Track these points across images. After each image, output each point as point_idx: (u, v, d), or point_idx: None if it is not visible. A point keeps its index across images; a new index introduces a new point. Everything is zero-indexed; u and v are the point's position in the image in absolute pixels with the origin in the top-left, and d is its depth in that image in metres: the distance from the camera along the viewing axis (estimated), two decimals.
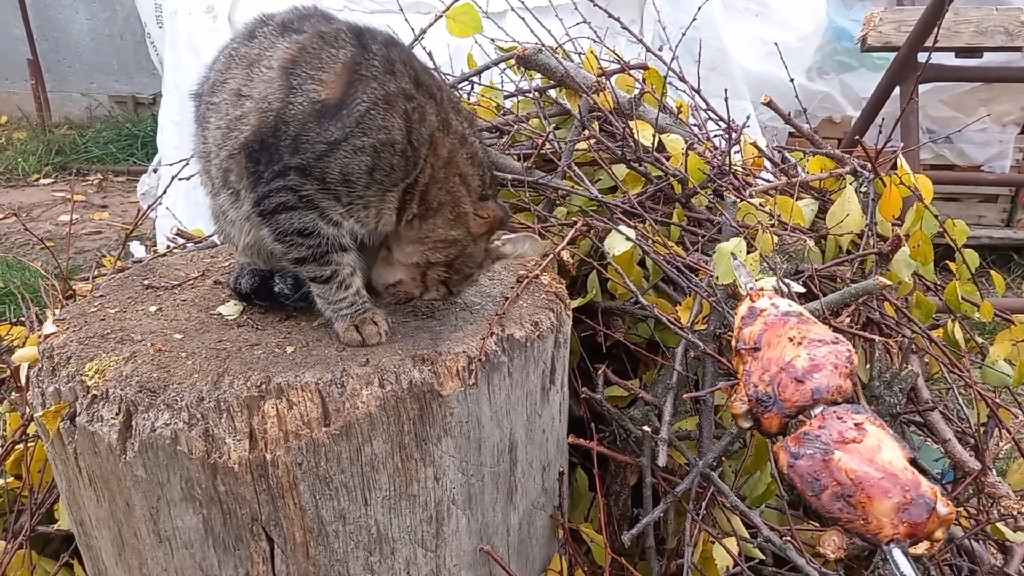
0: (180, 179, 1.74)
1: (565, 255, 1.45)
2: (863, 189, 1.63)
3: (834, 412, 0.86)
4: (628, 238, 1.40)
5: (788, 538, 1.23)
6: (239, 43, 1.05)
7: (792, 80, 1.90)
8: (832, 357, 0.90)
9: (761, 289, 1.05)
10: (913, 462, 1.60)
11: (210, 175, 1.09)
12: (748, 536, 1.31)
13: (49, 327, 1.13)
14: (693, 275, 1.44)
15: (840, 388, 0.88)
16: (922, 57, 2.67)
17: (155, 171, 3.79)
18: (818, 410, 0.87)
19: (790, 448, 0.86)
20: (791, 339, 0.93)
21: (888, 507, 0.80)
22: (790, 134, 3.54)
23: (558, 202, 1.68)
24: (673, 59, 1.78)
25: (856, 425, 0.85)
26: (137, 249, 3.43)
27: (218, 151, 1.03)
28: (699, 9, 1.97)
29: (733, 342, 0.98)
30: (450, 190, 1.03)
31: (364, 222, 1.01)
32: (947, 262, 1.67)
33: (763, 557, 1.33)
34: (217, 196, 1.09)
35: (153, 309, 1.18)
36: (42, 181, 4.99)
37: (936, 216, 1.57)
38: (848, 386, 0.89)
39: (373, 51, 0.98)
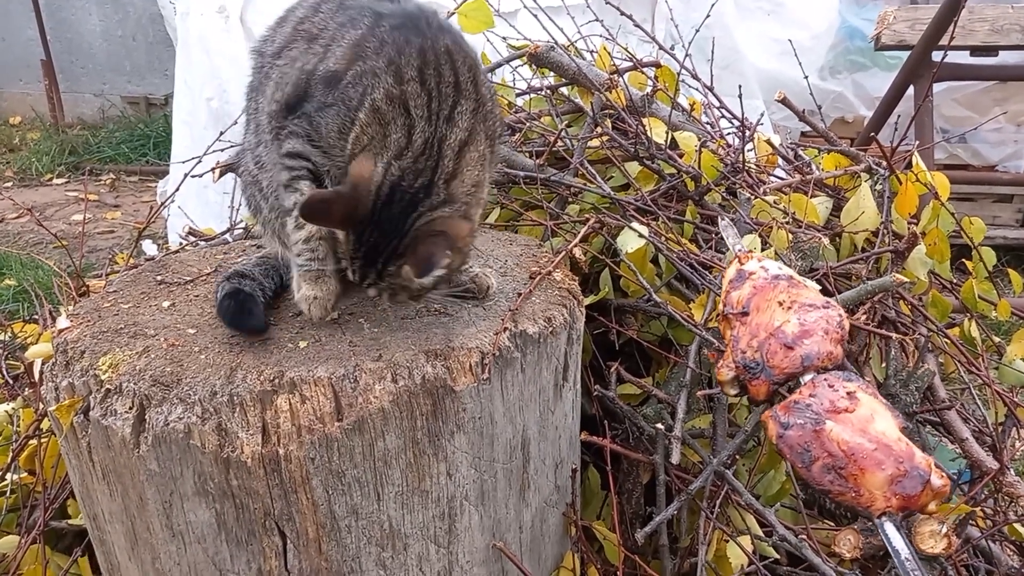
0: (193, 176, 1.74)
1: (577, 252, 1.44)
2: (878, 187, 1.62)
3: (825, 380, 0.83)
4: (641, 235, 1.39)
5: (803, 537, 1.21)
6: (304, 16, 1.14)
7: (806, 78, 1.89)
8: (823, 322, 0.87)
9: (750, 251, 1.01)
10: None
11: (259, 125, 1.17)
12: (762, 535, 1.30)
13: (63, 322, 1.14)
14: (707, 272, 1.43)
15: (831, 354, 0.85)
16: (937, 56, 2.66)
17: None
18: (808, 377, 0.85)
19: (779, 417, 0.83)
20: (781, 303, 0.90)
21: (881, 479, 0.78)
22: (802, 133, 3.52)
23: (570, 199, 1.67)
24: (686, 57, 1.77)
25: (848, 394, 0.82)
26: (149, 248, 3.45)
27: (269, 104, 1.12)
28: (712, 6, 1.96)
29: (720, 306, 0.95)
30: None
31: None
32: (963, 260, 1.65)
33: (777, 556, 1.32)
34: (259, 146, 1.18)
35: (166, 304, 1.19)
36: (55, 181, 5.03)
37: (952, 214, 1.56)
38: (839, 352, 0.86)
39: (376, 33, 1.03)
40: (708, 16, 1.89)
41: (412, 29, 1.02)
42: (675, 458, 1.25)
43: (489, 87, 1.08)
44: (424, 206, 0.99)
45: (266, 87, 1.13)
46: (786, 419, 0.82)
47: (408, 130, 0.99)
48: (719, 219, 1.12)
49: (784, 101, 1.74)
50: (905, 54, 2.83)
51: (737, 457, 1.36)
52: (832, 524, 1.41)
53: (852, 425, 0.79)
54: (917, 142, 1.78)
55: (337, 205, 0.98)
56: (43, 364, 1.53)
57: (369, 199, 0.98)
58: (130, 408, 0.98)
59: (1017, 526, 1.37)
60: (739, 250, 1.03)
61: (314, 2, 1.14)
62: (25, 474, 1.58)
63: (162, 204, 1.99)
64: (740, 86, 1.67)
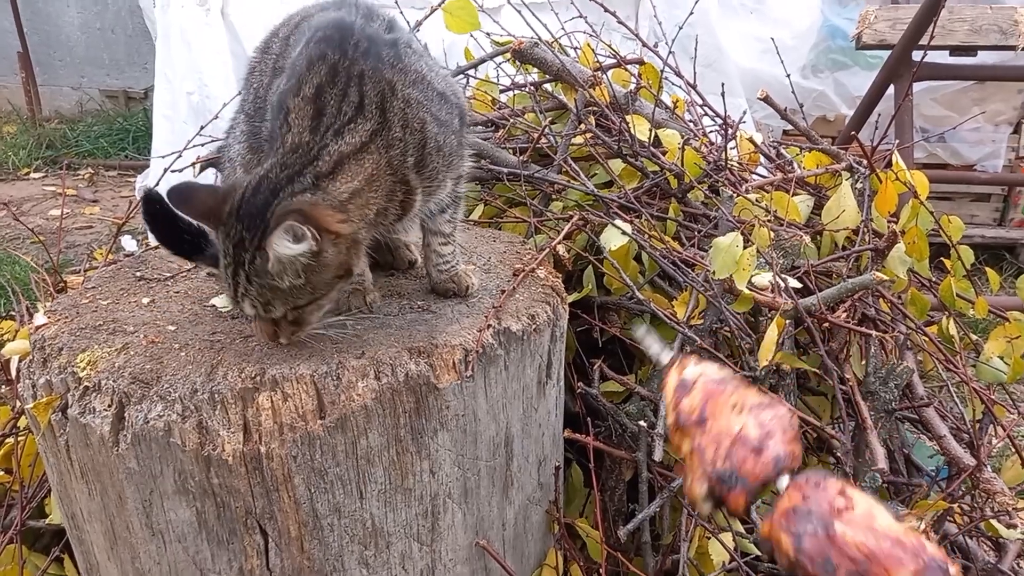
0: (173, 171, 1.73)
1: (561, 249, 1.44)
2: (859, 185, 1.63)
3: (807, 481, 0.78)
4: (624, 232, 1.39)
5: None
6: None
7: (788, 76, 1.90)
8: (779, 421, 0.83)
9: (684, 359, 0.93)
10: (907, 459, 1.59)
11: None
12: (744, 532, 1.30)
13: (40, 318, 1.12)
14: (689, 270, 1.44)
15: (794, 454, 0.81)
16: (916, 55, 2.68)
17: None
18: (784, 480, 0.80)
19: (788, 527, 0.77)
20: (734, 406, 0.85)
21: None
22: (784, 132, 3.54)
23: (554, 196, 1.67)
24: (669, 55, 1.77)
25: (840, 492, 0.77)
26: (128, 243, 3.40)
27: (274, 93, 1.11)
28: (696, 3, 1.96)
29: (670, 419, 0.88)
30: None
31: None
32: (942, 259, 1.67)
33: (759, 553, 1.33)
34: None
35: (146, 301, 1.17)
36: (32, 175, 4.95)
37: (932, 212, 1.57)
38: (799, 450, 0.82)
39: (306, 48, 1.04)
40: (691, 14, 1.90)
41: (336, 46, 1.01)
42: (658, 455, 1.26)
43: (409, 118, 1.03)
44: (286, 192, 0.94)
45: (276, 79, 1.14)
46: (796, 529, 0.76)
47: (284, 138, 0.99)
48: (634, 328, 1.06)
49: (766, 99, 1.75)
50: (886, 53, 2.85)
51: None
52: None
53: (858, 524, 0.75)
54: (897, 141, 1.79)
55: (203, 196, 0.96)
56: (20, 361, 1.51)
57: (237, 195, 0.95)
58: (109, 406, 0.96)
59: (993, 522, 1.39)
60: (670, 358, 0.96)
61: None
62: (1, 473, 1.55)
63: (141, 199, 1.97)
64: (723, 84, 1.68)
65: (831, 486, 0.77)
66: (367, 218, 1.00)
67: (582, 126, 1.70)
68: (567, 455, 1.43)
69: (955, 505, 1.42)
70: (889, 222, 1.56)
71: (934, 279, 1.72)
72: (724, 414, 0.85)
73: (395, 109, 1.01)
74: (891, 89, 2.82)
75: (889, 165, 1.59)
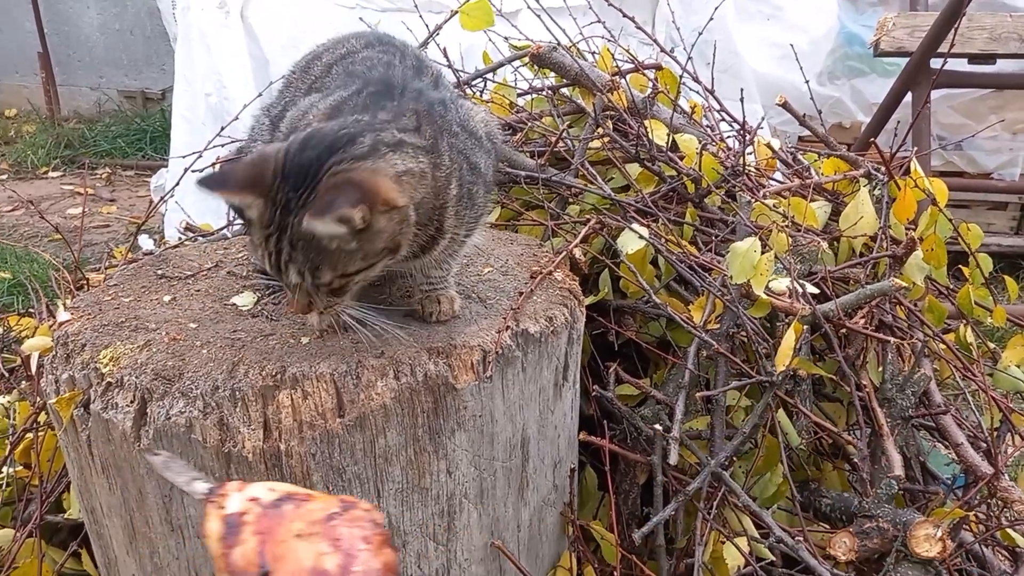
0: (192, 171, 1.74)
1: (577, 252, 1.44)
2: (876, 192, 1.63)
3: None
4: (641, 236, 1.39)
5: (800, 539, 1.22)
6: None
7: (807, 82, 1.90)
8: (357, 531, 0.69)
9: (221, 488, 0.74)
10: (923, 467, 1.59)
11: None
12: (759, 536, 1.30)
13: (63, 315, 1.14)
14: (706, 274, 1.44)
15: (389, 565, 0.68)
16: (935, 63, 2.67)
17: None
18: None
19: None
20: (300, 535, 0.69)
21: None
22: (800, 138, 3.53)
23: (571, 200, 1.68)
24: (688, 60, 1.78)
25: None
26: (146, 242, 3.43)
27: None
28: (716, 9, 1.96)
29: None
30: None
31: None
32: (960, 267, 1.66)
33: (773, 558, 1.33)
34: None
35: (167, 299, 1.18)
36: (51, 174, 5.00)
37: (950, 220, 1.57)
38: (393, 557, 0.69)
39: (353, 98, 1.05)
40: (711, 19, 1.90)
41: (387, 96, 1.02)
42: (673, 459, 1.25)
43: (455, 156, 1.02)
44: (346, 152, 0.89)
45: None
46: None
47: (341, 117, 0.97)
48: (150, 455, 0.81)
49: (785, 105, 1.75)
50: (903, 60, 2.84)
51: (734, 459, 1.36)
52: (828, 527, 1.42)
53: None
54: (915, 148, 1.79)
55: (240, 169, 0.90)
56: (41, 357, 1.53)
57: (279, 156, 0.90)
58: (131, 402, 0.97)
59: (1010, 531, 1.38)
60: (195, 488, 0.75)
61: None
62: (20, 468, 1.57)
63: (161, 199, 1.99)
64: (742, 89, 1.68)
65: None
66: (414, 202, 0.96)
67: (599, 130, 1.70)
68: (581, 458, 1.43)
69: (971, 513, 1.41)
70: (907, 229, 1.55)
71: (952, 287, 1.72)
72: (290, 551, 0.68)
73: (445, 144, 1.01)
74: (908, 96, 2.80)
75: (907, 172, 1.59)
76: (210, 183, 0.90)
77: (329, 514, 0.70)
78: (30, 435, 1.51)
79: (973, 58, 2.85)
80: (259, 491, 0.73)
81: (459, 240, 1.09)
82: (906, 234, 1.52)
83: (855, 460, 1.47)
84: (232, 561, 0.68)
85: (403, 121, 0.98)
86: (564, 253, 1.33)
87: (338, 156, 0.89)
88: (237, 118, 1.77)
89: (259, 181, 0.89)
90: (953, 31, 1.93)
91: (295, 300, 0.95)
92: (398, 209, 0.91)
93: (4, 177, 4.92)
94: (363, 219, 0.87)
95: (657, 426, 1.31)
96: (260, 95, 1.93)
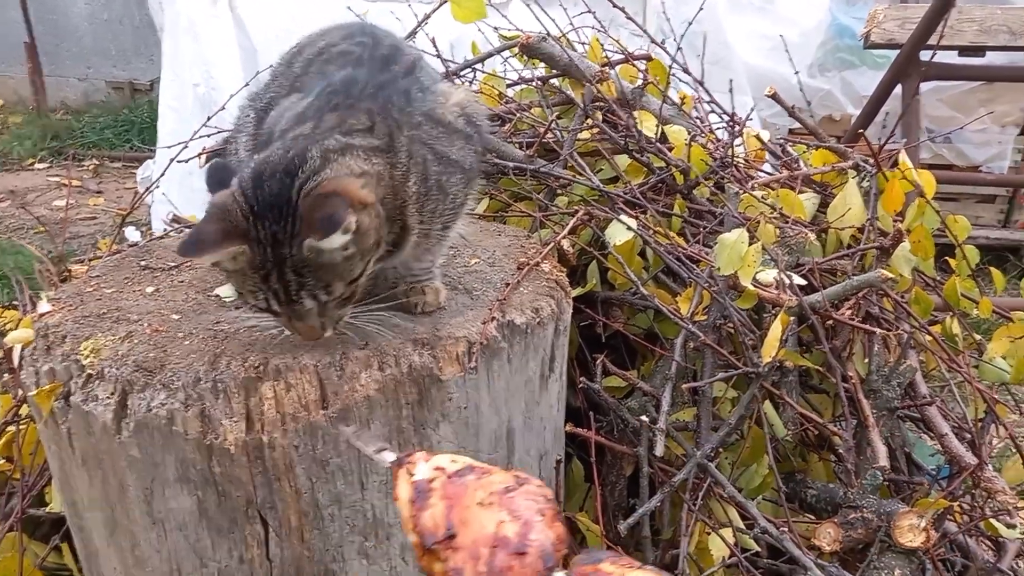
0: (179, 162, 1.73)
1: (566, 244, 1.44)
2: (864, 183, 1.63)
3: (586, 570, 0.69)
4: (630, 228, 1.39)
5: (784, 530, 1.22)
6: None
7: (797, 74, 1.89)
8: (532, 504, 0.72)
9: (409, 456, 0.79)
10: (908, 458, 1.59)
11: None
12: (744, 527, 1.30)
13: (44, 306, 1.12)
14: (694, 266, 1.44)
15: (560, 538, 0.71)
16: (925, 55, 2.67)
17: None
18: None
19: None
20: (481, 504, 0.72)
21: None
22: (790, 130, 3.54)
23: (559, 191, 1.67)
24: (678, 51, 1.77)
25: (620, 564, 0.69)
26: (132, 234, 3.41)
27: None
28: (704, 1, 1.96)
29: (413, 538, 0.74)
30: None
31: None
32: (947, 259, 1.67)
33: (758, 548, 1.33)
34: None
35: (150, 290, 1.17)
36: (37, 166, 4.96)
37: (938, 212, 1.57)
38: (563, 531, 0.72)
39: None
40: (701, 10, 1.89)
41: (343, 94, 1.02)
42: (659, 450, 1.25)
43: (413, 152, 1.01)
44: (303, 172, 0.89)
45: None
46: None
47: (284, 135, 0.97)
48: (342, 426, 0.91)
49: (775, 97, 1.74)
50: (893, 53, 2.85)
51: (720, 450, 1.36)
52: (813, 518, 1.42)
53: None
54: (905, 140, 1.79)
55: (208, 228, 0.88)
56: (23, 349, 1.51)
57: (239, 199, 0.89)
58: (112, 394, 0.96)
59: (993, 521, 1.39)
60: (384, 457, 0.81)
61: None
62: (2, 461, 1.56)
63: (147, 190, 1.97)
64: (731, 80, 1.68)
65: (615, 570, 0.69)
66: (378, 199, 0.95)
67: (588, 121, 1.70)
68: (568, 450, 1.43)
69: (955, 504, 1.42)
70: (895, 221, 1.55)
71: (939, 279, 1.72)
72: (474, 517, 0.72)
73: (403, 139, 1.00)
74: (898, 89, 2.81)
75: (895, 164, 1.59)
76: (188, 249, 0.88)
77: (507, 487, 0.73)
78: (11, 428, 1.49)
79: (963, 50, 2.85)
80: (444, 461, 0.77)
81: (433, 234, 1.07)
82: (893, 226, 1.52)
83: (840, 451, 1.47)
84: (422, 523, 0.73)
85: (350, 124, 0.97)
86: (552, 244, 1.33)
87: (300, 178, 0.89)
88: (224, 108, 1.75)
89: (234, 230, 0.88)
90: (943, 23, 1.93)
91: (304, 328, 0.94)
92: (372, 205, 0.92)
93: None
94: (356, 222, 0.88)
95: (644, 417, 1.31)
96: (247, 85, 1.92)
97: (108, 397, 0.96)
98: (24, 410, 1.48)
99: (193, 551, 1.02)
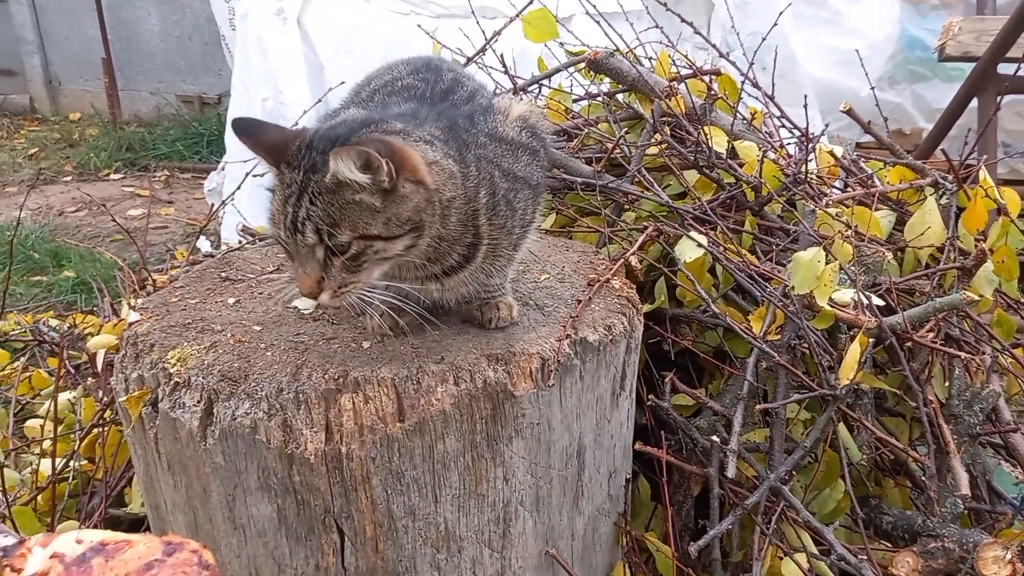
0: (254, 175, 1.77)
1: (633, 260, 1.43)
2: (943, 201, 1.58)
3: None
4: (700, 244, 1.38)
5: (863, 557, 1.19)
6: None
7: (872, 88, 1.85)
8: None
9: (19, 546, 0.63)
10: (989, 485, 1.53)
11: None
12: (818, 553, 1.27)
13: (132, 315, 1.17)
14: (766, 284, 1.41)
15: None
16: (1002, 68, 2.58)
17: (222, 169, 3.88)
18: None
19: None
20: None
21: None
22: (857, 144, 3.45)
23: (627, 207, 1.66)
24: (751, 66, 1.75)
25: None
26: (203, 244, 3.51)
27: None
28: (780, 14, 1.93)
29: None
30: None
31: None
32: None
33: (831, 575, 1.30)
34: None
35: (231, 301, 1.21)
36: (112, 176, 5.16)
37: (1022, 231, 1.51)
38: None
39: None
40: (776, 23, 1.86)
41: (409, 120, 1.03)
42: (731, 472, 1.24)
43: (481, 168, 1.02)
44: (377, 128, 0.94)
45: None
46: None
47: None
48: None
49: (850, 112, 1.71)
50: (967, 66, 2.76)
51: (793, 473, 1.33)
52: (889, 545, 1.38)
53: None
54: (984, 156, 1.73)
55: (269, 131, 0.95)
56: (106, 354, 1.57)
57: (307, 135, 0.94)
58: (198, 402, 0.99)
59: None
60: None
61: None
62: (85, 462, 1.62)
63: (223, 202, 2.04)
64: (805, 96, 1.65)
65: None
66: (443, 196, 0.97)
67: (657, 136, 1.69)
68: (634, 468, 1.42)
69: None
70: (977, 240, 1.50)
71: (1022, 300, 1.66)
72: None
73: (471, 156, 1.02)
74: (973, 102, 2.72)
75: (975, 181, 1.54)
76: (240, 129, 0.95)
77: (148, 562, 0.62)
78: (96, 430, 1.55)
79: None
80: (65, 544, 0.63)
81: (503, 249, 1.08)
82: (976, 245, 1.47)
83: (918, 477, 1.43)
84: None
85: (430, 132, 1.00)
86: (621, 260, 1.32)
87: (371, 128, 0.94)
88: (297, 124, 1.80)
89: (282, 149, 0.93)
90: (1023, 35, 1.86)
91: (306, 278, 0.93)
92: (424, 184, 0.93)
93: (68, 179, 5.09)
94: (388, 175, 0.89)
95: (715, 438, 1.29)
96: (319, 101, 1.96)
97: (195, 405, 1.00)
98: (107, 413, 1.54)
99: (272, 557, 1.04)
